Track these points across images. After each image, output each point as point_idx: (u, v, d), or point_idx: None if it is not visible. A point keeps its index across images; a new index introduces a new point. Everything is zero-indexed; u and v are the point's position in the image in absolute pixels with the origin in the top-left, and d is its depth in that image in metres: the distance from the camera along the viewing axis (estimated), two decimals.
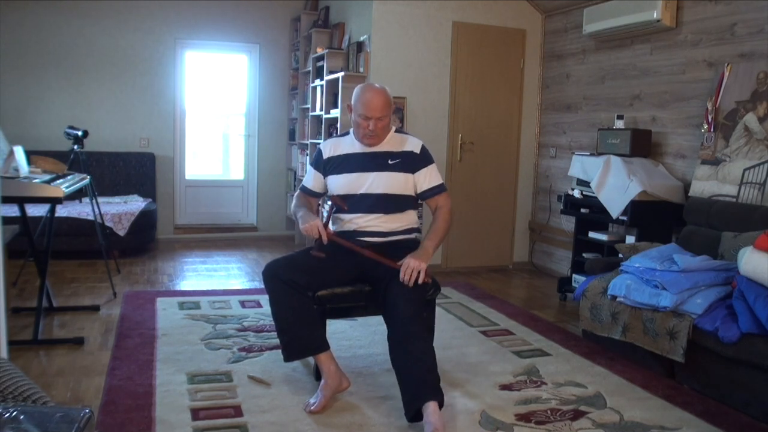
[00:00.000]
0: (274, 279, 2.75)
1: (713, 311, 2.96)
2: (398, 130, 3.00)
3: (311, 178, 3.04)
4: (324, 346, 2.77)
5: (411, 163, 2.91)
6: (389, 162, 2.89)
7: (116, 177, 6.45)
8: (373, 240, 2.88)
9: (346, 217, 2.91)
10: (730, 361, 2.83)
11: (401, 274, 2.64)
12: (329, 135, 5.68)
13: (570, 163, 4.82)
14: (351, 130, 2.96)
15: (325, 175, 2.98)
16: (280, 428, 2.49)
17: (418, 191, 2.94)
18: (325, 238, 2.75)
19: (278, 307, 2.75)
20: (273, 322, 2.83)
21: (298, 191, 3.11)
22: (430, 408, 2.44)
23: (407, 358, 2.52)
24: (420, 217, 3.12)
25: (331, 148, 3.00)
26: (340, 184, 2.93)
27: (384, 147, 2.90)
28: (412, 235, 2.98)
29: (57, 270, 5.03)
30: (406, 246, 2.87)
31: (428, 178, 2.93)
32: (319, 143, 5.52)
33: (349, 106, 2.90)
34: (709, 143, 3.95)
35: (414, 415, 2.49)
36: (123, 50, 6.48)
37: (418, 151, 2.92)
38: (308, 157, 6.08)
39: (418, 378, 2.49)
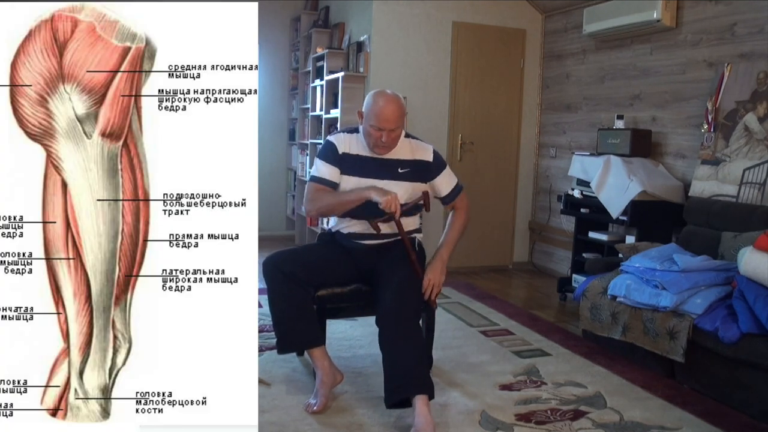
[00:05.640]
0: (275, 270, 2.71)
1: (713, 311, 2.96)
2: (408, 135, 2.90)
3: (329, 172, 2.78)
4: (320, 340, 2.76)
5: (424, 172, 2.85)
6: (399, 171, 2.80)
7: None
8: (373, 242, 2.84)
9: (347, 219, 2.85)
10: (730, 361, 2.82)
11: (424, 290, 2.72)
12: (329, 134, 5.66)
13: (570, 163, 4.82)
14: (360, 128, 2.84)
15: (341, 171, 2.80)
16: (280, 428, 2.49)
17: (439, 197, 2.94)
18: (398, 215, 2.62)
19: (276, 297, 2.72)
20: (271, 319, 2.82)
21: (314, 185, 2.80)
22: (419, 404, 2.41)
23: (397, 345, 2.49)
24: (420, 216, 3.10)
25: (344, 143, 2.82)
26: (354, 187, 2.79)
27: (394, 154, 2.81)
28: (412, 235, 2.94)
29: None
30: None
31: (445, 183, 2.90)
32: (319, 143, 5.50)
33: (359, 112, 2.79)
34: (709, 143, 3.94)
35: (396, 403, 2.46)
36: None
37: (430, 159, 2.87)
38: (308, 157, 6.07)
39: (406, 367, 2.46)
